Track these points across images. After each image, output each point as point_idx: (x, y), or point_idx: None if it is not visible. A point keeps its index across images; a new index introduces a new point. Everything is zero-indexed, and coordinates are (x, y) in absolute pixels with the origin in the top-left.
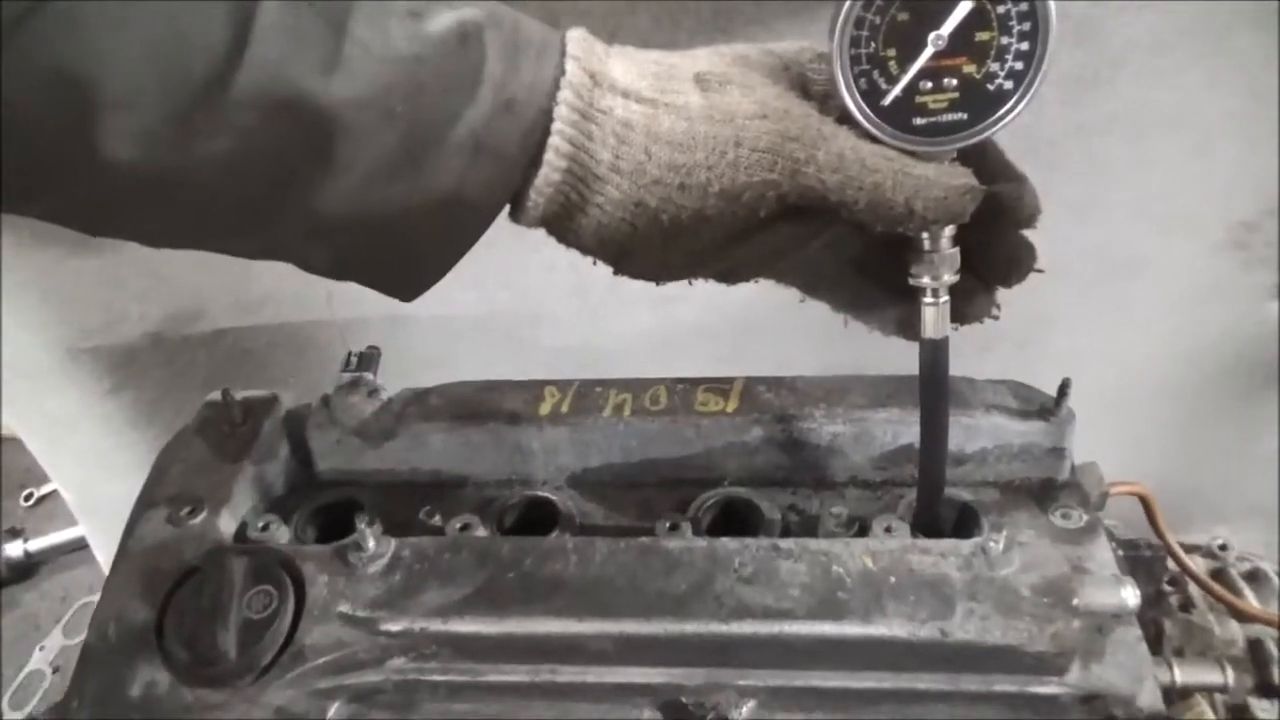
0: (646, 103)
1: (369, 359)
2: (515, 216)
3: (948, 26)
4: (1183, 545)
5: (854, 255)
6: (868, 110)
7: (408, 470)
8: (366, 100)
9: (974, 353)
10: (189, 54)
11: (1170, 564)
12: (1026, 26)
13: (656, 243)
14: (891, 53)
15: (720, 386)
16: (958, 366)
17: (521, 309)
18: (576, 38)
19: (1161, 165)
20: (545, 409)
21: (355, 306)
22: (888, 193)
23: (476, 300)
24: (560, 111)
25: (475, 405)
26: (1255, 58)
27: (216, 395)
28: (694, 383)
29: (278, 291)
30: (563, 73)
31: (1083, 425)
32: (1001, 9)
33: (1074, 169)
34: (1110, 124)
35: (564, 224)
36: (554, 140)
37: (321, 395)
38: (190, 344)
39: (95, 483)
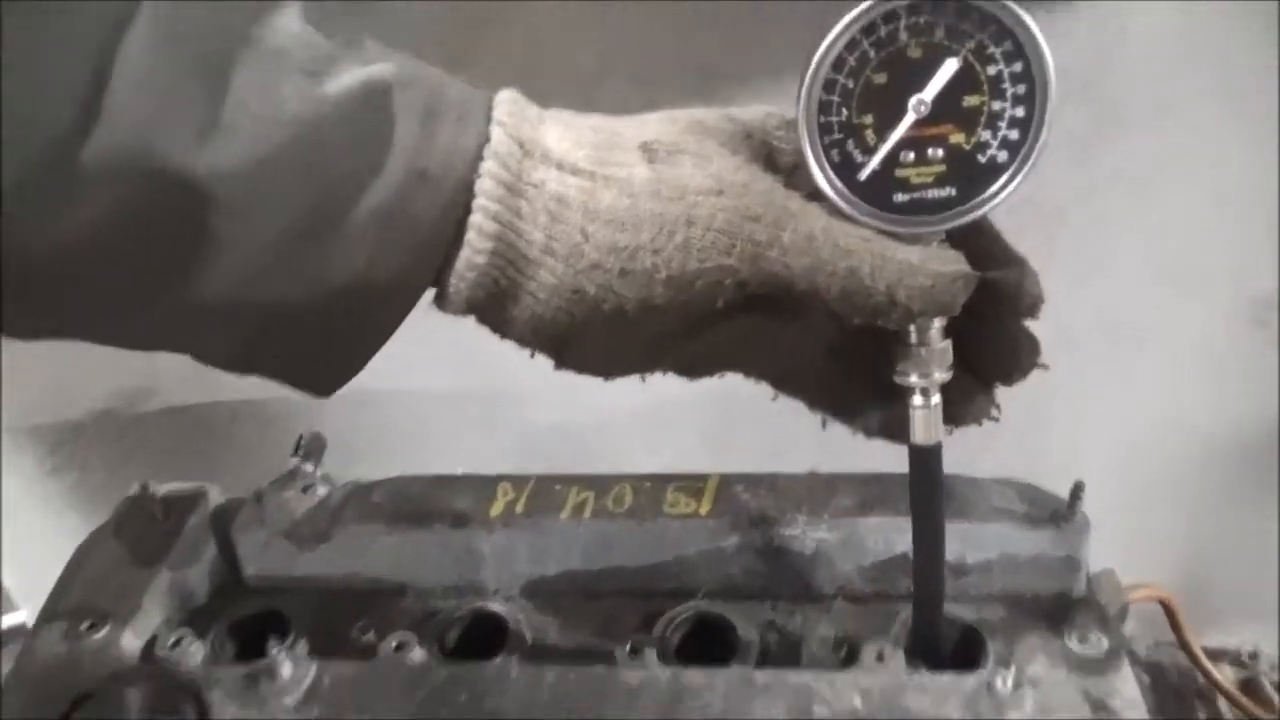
0: (584, 175)
1: (314, 446)
2: (439, 303)
3: (931, 90)
4: (1209, 651)
5: (831, 347)
6: (841, 185)
7: (343, 577)
8: (249, 171)
9: (968, 430)
10: (38, 109)
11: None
12: (1022, 90)
13: (600, 334)
14: (868, 120)
15: (692, 485)
16: (950, 446)
17: (497, 384)
18: (505, 100)
19: (1173, 231)
20: (497, 509)
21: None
22: (865, 280)
23: (449, 375)
24: (483, 184)
25: (421, 504)
26: (1276, 115)
27: (138, 488)
28: (663, 480)
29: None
30: (487, 140)
31: (1091, 510)
32: (993, 70)
33: (1077, 234)
34: (1115, 186)
35: (494, 312)
36: (476, 218)
37: (255, 489)
38: (142, 421)
39: (37, 569)
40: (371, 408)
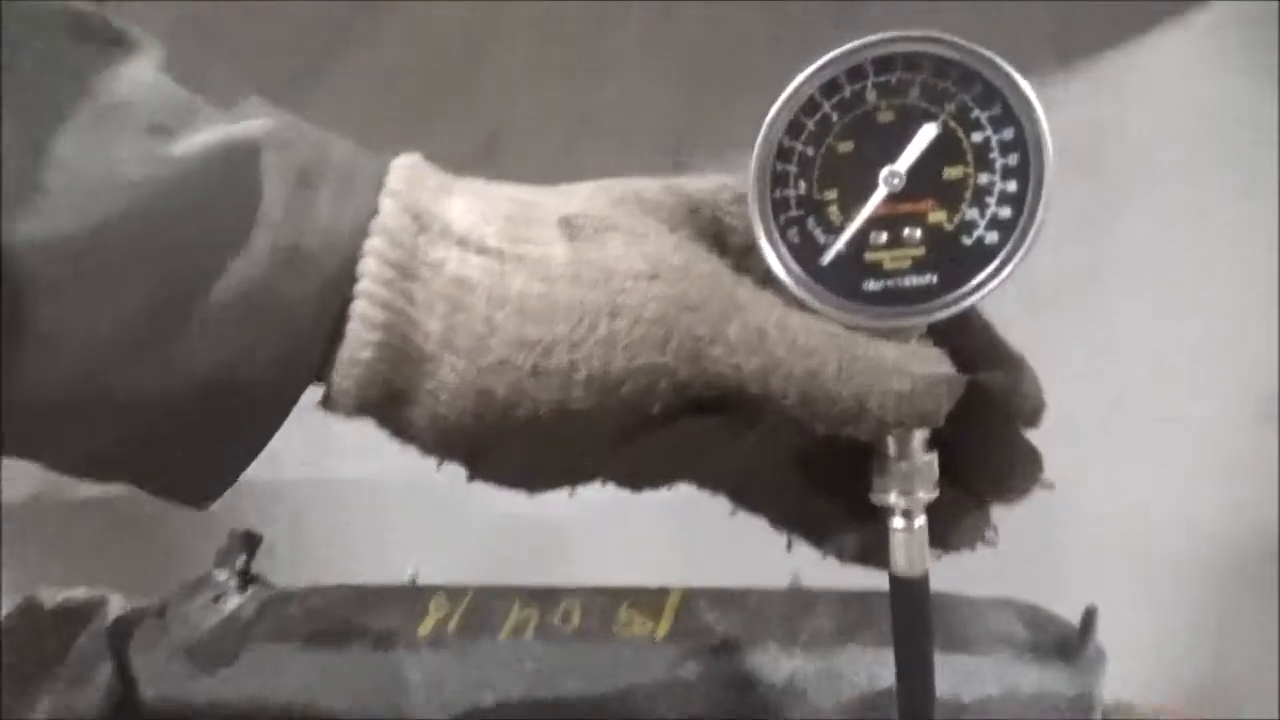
0: (491, 255)
1: (239, 547)
2: (325, 403)
3: (905, 160)
4: None
5: (796, 456)
6: (800, 271)
7: (250, 704)
8: (77, 245)
9: None
10: None
11: None
12: (1013, 160)
13: (518, 441)
14: (831, 195)
15: (650, 600)
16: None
17: (459, 472)
18: (403, 166)
19: (1184, 317)
20: (427, 627)
21: (272, 464)
22: (829, 384)
23: (408, 461)
24: (369, 265)
25: (342, 620)
26: None
27: (23, 599)
28: (617, 594)
29: None
30: (375, 212)
31: (1104, 614)
32: (978, 137)
33: (1078, 320)
34: (1117, 270)
35: (390, 415)
36: (360, 304)
37: (160, 599)
38: (71, 510)
39: None
40: (326, 495)
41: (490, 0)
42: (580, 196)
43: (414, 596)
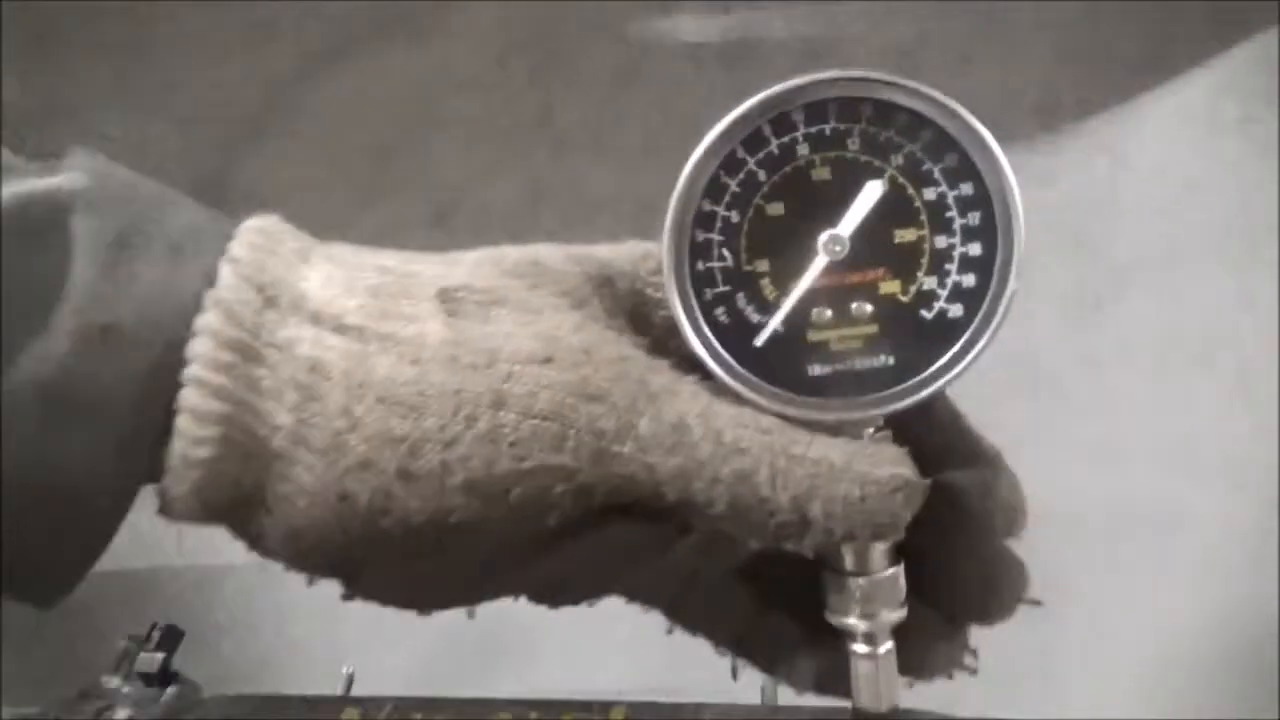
0: (352, 333)
1: (166, 640)
2: (163, 510)
3: (848, 223)
4: None
5: (741, 565)
6: (729, 356)
7: None
8: None
9: None
10: None
11: None
12: (975, 219)
13: (393, 557)
14: (763, 266)
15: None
16: None
17: None
18: (252, 229)
19: (1187, 401)
20: None
21: (215, 551)
22: (763, 490)
23: None
24: (200, 346)
25: None
26: None
27: None
28: (553, 708)
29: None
30: (209, 283)
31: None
32: (931, 193)
33: (1082, 405)
34: (1119, 355)
35: (242, 524)
36: (189, 394)
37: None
38: None
39: None
40: (274, 585)
41: (440, 63)
42: (465, 265)
43: (324, 709)
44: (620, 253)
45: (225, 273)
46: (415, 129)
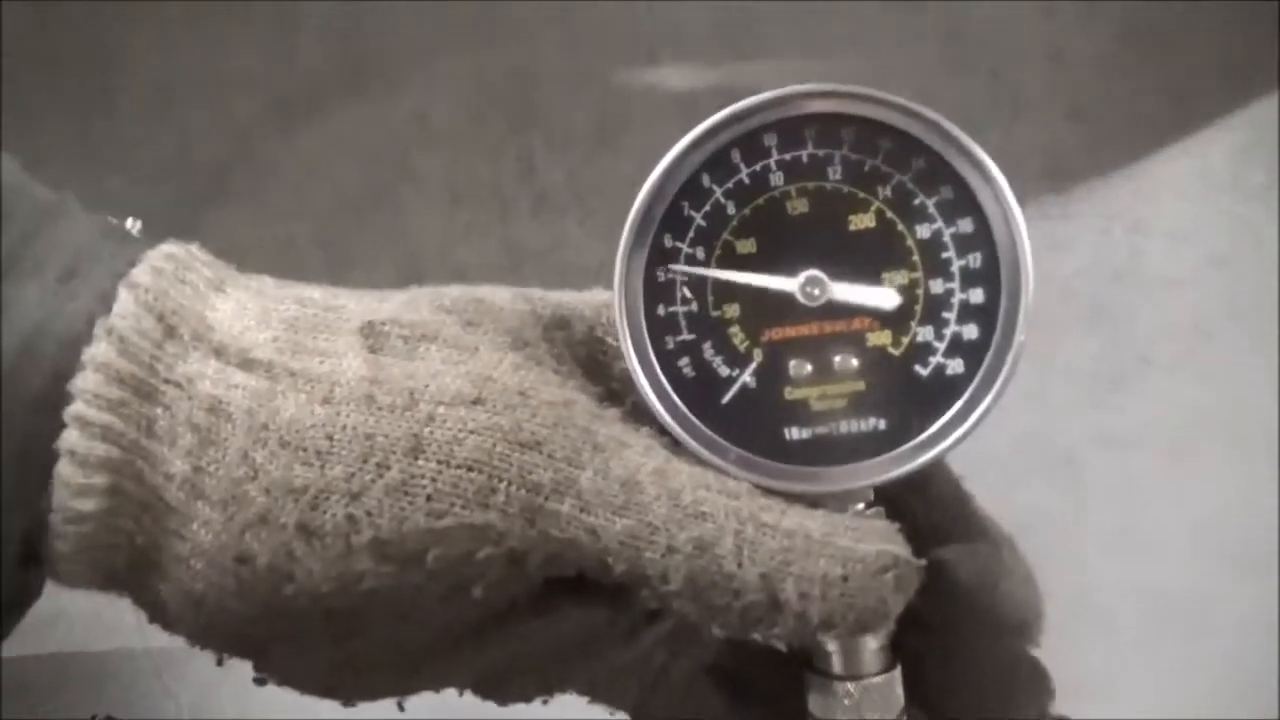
0: (259, 369)
1: None
2: (50, 574)
3: (828, 264)
4: None
5: (716, 659)
6: (689, 414)
7: None
8: None
9: None
10: None
11: None
12: (975, 260)
13: (304, 634)
14: (732, 311)
15: None
16: None
17: None
18: (161, 253)
19: (1215, 484)
20: None
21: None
22: (727, 563)
23: None
24: (87, 381)
25: None
26: None
27: None
28: None
29: (71, 608)
30: (104, 309)
31: None
32: (925, 230)
33: (1102, 488)
34: (1142, 435)
35: (138, 592)
36: (72, 436)
37: None
38: None
39: None
40: (243, 668)
41: (415, 117)
42: (398, 300)
43: None
44: (580, 298)
45: (123, 298)
46: (388, 185)
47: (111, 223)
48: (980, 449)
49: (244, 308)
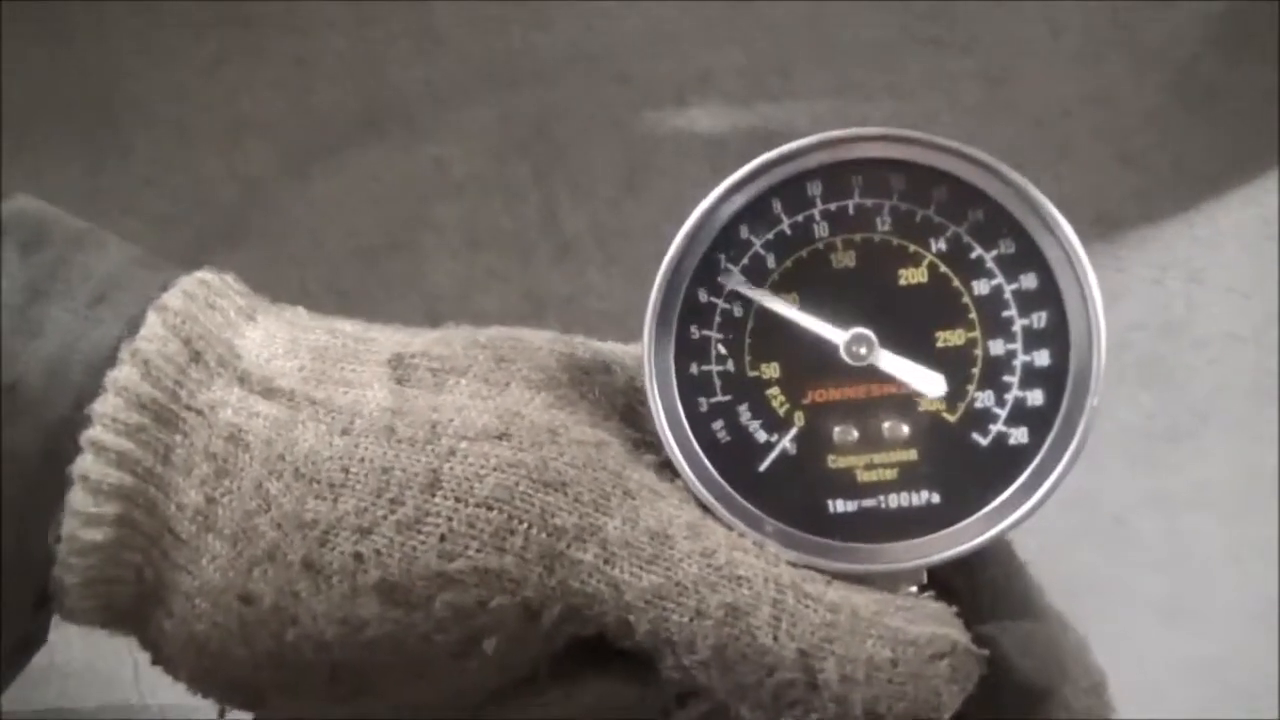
0: (281, 398)
1: None
2: (58, 609)
3: (878, 322)
4: None
5: None
6: (723, 483)
7: None
8: None
9: None
10: None
11: None
12: (1041, 320)
13: (308, 686)
14: (771, 371)
15: None
16: None
17: None
18: (194, 279)
19: (1276, 554)
20: None
21: (174, 689)
22: (761, 635)
23: None
24: (106, 405)
25: None
26: None
27: None
28: None
29: (67, 662)
30: (131, 333)
31: None
32: (985, 286)
33: (1157, 556)
34: (1199, 496)
35: (140, 629)
36: (86, 461)
37: None
38: None
39: None
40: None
41: (435, 162)
42: (432, 335)
43: None
44: (623, 348)
45: (151, 321)
46: (407, 232)
47: (146, 253)
48: (1041, 511)
49: (273, 336)
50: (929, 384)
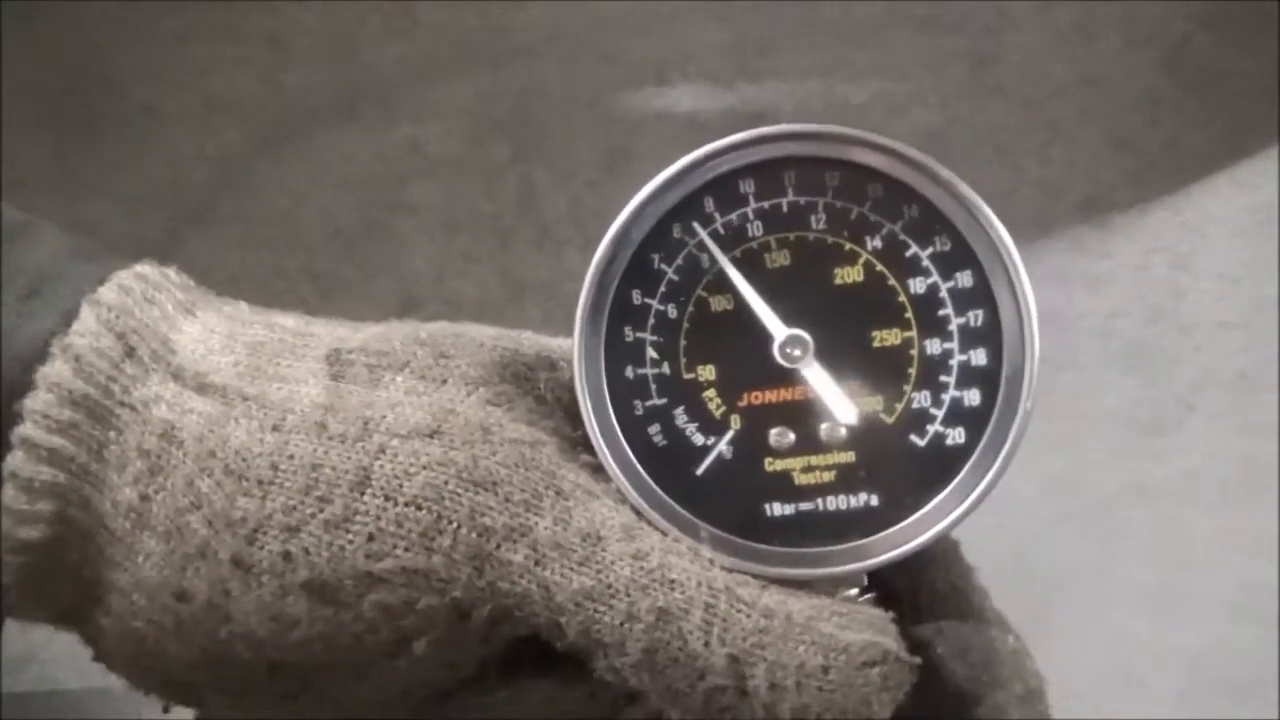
0: (214, 394)
1: None
2: (6, 609)
3: (814, 322)
4: None
5: None
6: (656, 489)
7: None
8: None
9: None
10: None
11: None
12: (978, 319)
13: (243, 685)
14: (707, 373)
15: None
16: None
17: None
18: (131, 273)
19: (1261, 542)
20: None
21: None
22: (692, 639)
23: None
24: (38, 401)
25: None
26: None
27: None
28: None
29: (42, 649)
30: (64, 327)
31: None
32: (920, 285)
33: (1141, 545)
34: (1184, 483)
35: (82, 626)
36: (17, 460)
37: None
38: None
39: None
40: None
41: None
42: (374, 330)
43: None
44: (570, 342)
45: (85, 315)
46: (382, 214)
47: (85, 244)
48: (1007, 495)
49: (210, 331)
50: (841, 410)
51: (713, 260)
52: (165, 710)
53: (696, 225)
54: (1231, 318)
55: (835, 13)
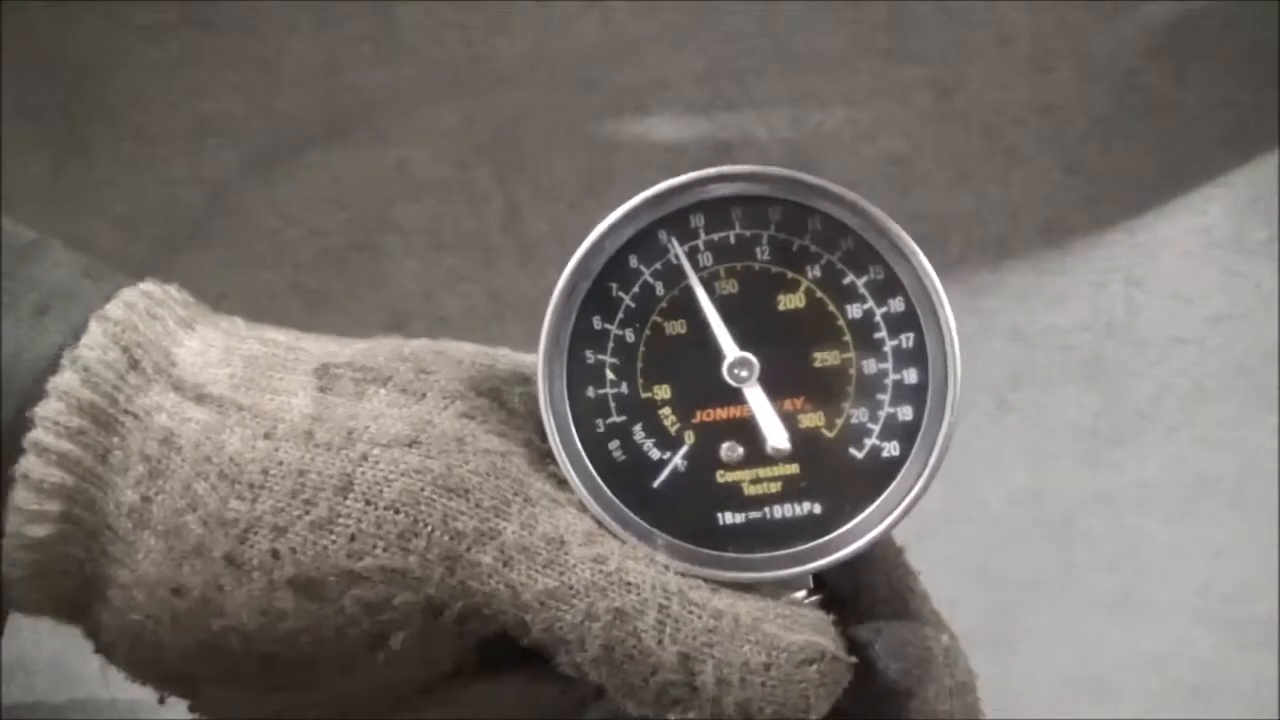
0: (211, 404)
1: None
2: (6, 600)
3: (759, 344)
4: None
5: None
6: (616, 501)
7: None
8: None
9: None
10: None
11: None
12: (909, 341)
13: (234, 676)
14: (663, 392)
15: None
16: None
17: None
18: (136, 290)
19: (1216, 548)
20: None
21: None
22: (646, 638)
23: None
24: (49, 409)
25: None
26: None
27: None
28: None
29: (33, 659)
30: (74, 341)
31: None
32: (856, 311)
33: (1103, 553)
34: (1142, 493)
35: (83, 620)
36: (29, 462)
37: None
38: None
39: None
40: None
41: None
42: (360, 346)
43: None
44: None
45: (93, 330)
46: (370, 234)
47: (94, 263)
48: (971, 507)
49: (209, 345)
50: (773, 435)
51: (668, 288)
52: (161, 702)
53: (654, 255)
54: (1185, 333)
55: (804, 43)
